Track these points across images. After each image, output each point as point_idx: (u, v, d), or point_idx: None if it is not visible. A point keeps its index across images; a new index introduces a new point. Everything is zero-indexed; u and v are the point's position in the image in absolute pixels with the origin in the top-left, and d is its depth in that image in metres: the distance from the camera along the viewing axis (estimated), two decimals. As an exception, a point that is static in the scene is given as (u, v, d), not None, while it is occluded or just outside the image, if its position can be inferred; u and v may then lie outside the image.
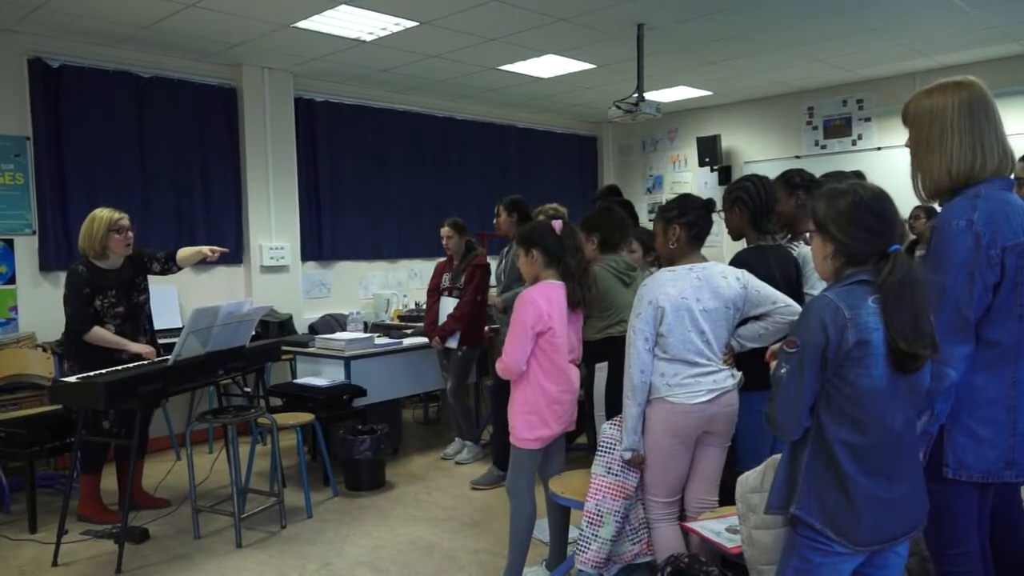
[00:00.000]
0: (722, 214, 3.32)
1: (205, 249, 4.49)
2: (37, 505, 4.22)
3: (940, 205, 2.22)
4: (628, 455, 2.81)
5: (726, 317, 2.79)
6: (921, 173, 2.16)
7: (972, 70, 2.18)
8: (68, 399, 3.81)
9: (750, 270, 2.95)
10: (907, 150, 2.21)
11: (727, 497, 2.77)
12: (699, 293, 2.74)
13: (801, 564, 1.89)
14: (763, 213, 3.22)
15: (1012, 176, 2.13)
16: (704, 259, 2.87)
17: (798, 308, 2.83)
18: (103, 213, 4.15)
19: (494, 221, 5.31)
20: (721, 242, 8.33)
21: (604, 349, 3.41)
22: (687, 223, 2.83)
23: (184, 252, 4.51)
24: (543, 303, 3.09)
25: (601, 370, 3.45)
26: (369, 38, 5.57)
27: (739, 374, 2.83)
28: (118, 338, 4.07)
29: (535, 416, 3.13)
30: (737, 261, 3.12)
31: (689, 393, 2.71)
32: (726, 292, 2.77)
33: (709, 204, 2.91)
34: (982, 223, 1.98)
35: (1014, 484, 2.17)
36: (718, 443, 2.86)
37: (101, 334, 4.03)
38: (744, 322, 2.88)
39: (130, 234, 4.21)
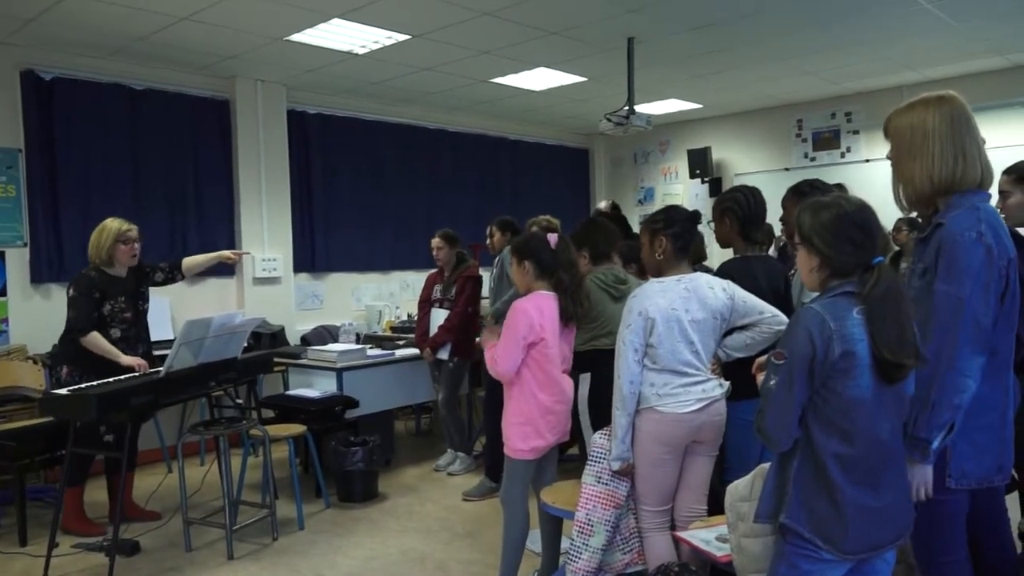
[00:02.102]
0: (711, 225, 3.35)
1: (227, 253, 4.70)
2: (27, 518, 4.20)
3: (920, 216, 2.25)
4: (617, 465, 2.82)
5: (713, 327, 2.81)
6: (903, 182, 2.19)
7: (959, 84, 2.23)
8: (60, 411, 3.80)
9: (735, 280, 2.98)
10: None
11: (716, 506, 2.79)
12: (688, 304, 2.76)
13: (789, 571, 1.90)
14: (752, 223, 3.25)
15: (994, 189, 2.17)
16: (691, 270, 2.90)
17: (784, 319, 2.86)
18: (113, 224, 4.20)
19: (487, 242, 5.35)
20: (711, 253, 8.40)
21: (588, 360, 3.43)
22: (673, 235, 2.85)
23: (193, 260, 4.62)
24: (535, 314, 3.11)
25: (584, 380, 3.46)
26: (361, 51, 5.60)
27: (727, 383, 2.85)
28: (112, 348, 4.05)
29: (529, 427, 3.14)
30: (722, 271, 3.14)
31: (679, 403, 2.73)
32: (713, 303, 2.80)
33: (695, 216, 2.94)
34: (990, 234, 2.01)
35: (995, 488, 2.20)
36: (706, 452, 2.88)
37: (97, 341, 4.02)
38: (730, 332, 2.91)
39: (136, 246, 4.26)
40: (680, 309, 2.75)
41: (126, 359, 4.06)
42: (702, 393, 2.76)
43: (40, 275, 5.35)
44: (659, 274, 2.89)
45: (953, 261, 2.02)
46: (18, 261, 5.31)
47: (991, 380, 2.06)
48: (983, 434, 2.06)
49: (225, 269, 6.27)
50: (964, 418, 2.03)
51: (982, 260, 2.00)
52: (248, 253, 4.78)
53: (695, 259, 3.10)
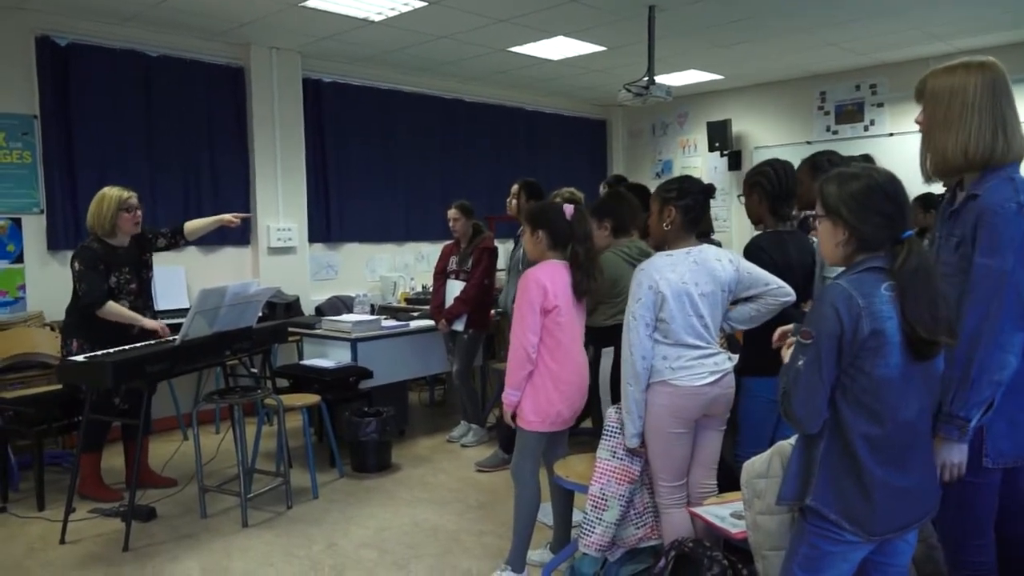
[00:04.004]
0: (741, 199, 3.30)
1: (228, 216, 4.56)
2: (45, 483, 4.24)
3: (944, 186, 2.17)
4: (634, 442, 2.78)
5: (722, 300, 2.77)
6: (932, 152, 2.09)
7: (987, 55, 2.13)
8: (76, 378, 3.83)
9: (767, 255, 2.93)
10: (920, 136, 2.16)
11: (730, 482, 2.77)
12: (697, 277, 2.71)
13: (810, 551, 1.87)
14: (782, 198, 3.19)
15: None
16: (698, 242, 2.84)
17: (790, 290, 2.81)
18: (113, 192, 4.15)
19: (508, 200, 5.26)
20: (730, 228, 8.33)
21: (613, 334, 3.39)
22: (684, 207, 2.78)
23: (195, 224, 4.56)
24: (547, 281, 3.07)
25: (607, 355, 3.43)
26: (378, 18, 5.52)
27: (735, 356, 2.82)
28: (132, 313, 4.08)
29: (541, 396, 3.12)
30: (754, 245, 3.09)
31: (693, 375, 2.69)
32: (721, 275, 2.75)
33: (708, 189, 2.87)
34: None
35: (1018, 469, 2.14)
36: (716, 426, 2.85)
37: (116, 309, 4.03)
38: (734, 304, 2.86)
39: (139, 213, 4.22)
40: (690, 283, 2.70)
41: (149, 323, 4.09)
42: (715, 366, 2.72)
43: (57, 242, 5.36)
44: (663, 244, 2.83)
45: (995, 233, 1.95)
46: (35, 228, 5.32)
47: None
48: (1023, 412, 2.00)
49: (240, 238, 6.28)
50: (1002, 396, 1.97)
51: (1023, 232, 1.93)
52: (249, 216, 4.68)
53: (701, 233, 3.04)
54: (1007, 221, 1.95)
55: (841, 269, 1.90)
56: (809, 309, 1.93)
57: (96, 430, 4.21)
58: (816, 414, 1.83)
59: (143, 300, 4.29)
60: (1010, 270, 1.92)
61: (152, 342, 4.01)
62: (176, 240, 4.49)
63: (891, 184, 1.83)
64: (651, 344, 2.72)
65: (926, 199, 5.56)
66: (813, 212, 3.41)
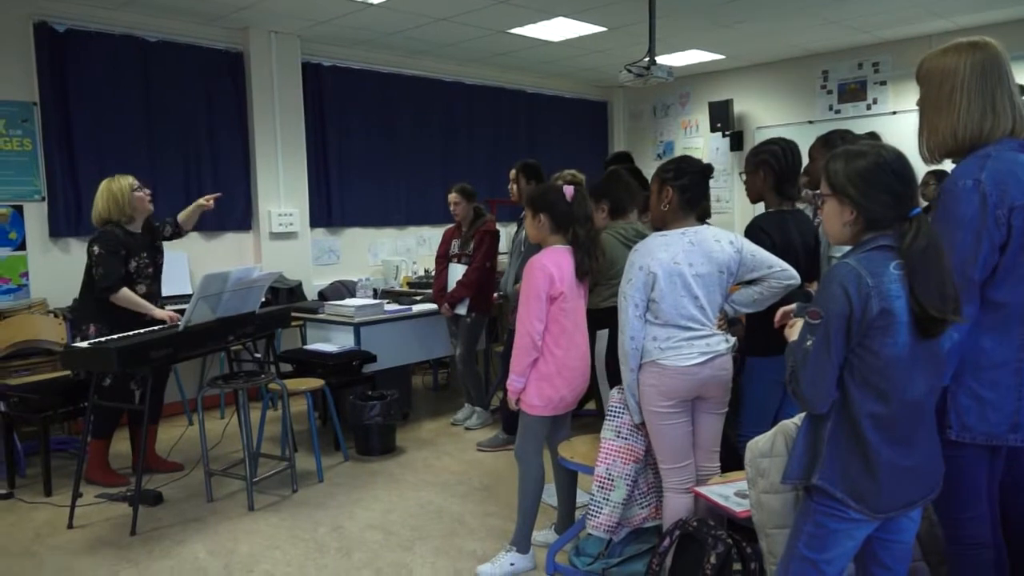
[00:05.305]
0: (743, 176, 3.28)
1: (201, 200, 4.64)
2: (52, 469, 4.27)
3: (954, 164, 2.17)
4: (638, 419, 2.81)
5: (720, 282, 2.74)
6: (927, 133, 2.11)
7: (989, 32, 2.13)
8: (81, 364, 3.84)
9: (769, 235, 2.91)
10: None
11: (734, 462, 2.77)
12: (691, 257, 2.69)
13: (815, 530, 1.88)
14: (787, 178, 3.17)
15: None
16: (697, 222, 2.82)
17: (794, 273, 2.79)
18: (119, 179, 4.21)
19: (509, 186, 5.24)
20: (733, 208, 8.31)
21: (608, 316, 3.39)
22: (680, 187, 2.76)
23: (183, 214, 4.62)
24: (553, 268, 3.06)
25: (601, 337, 3.43)
26: (377, 0, 5.49)
27: (733, 339, 2.80)
28: (144, 302, 4.12)
29: (545, 382, 3.12)
30: (756, 225, 3.07)
31: (681, 355, 2.67)
32: (719, 256, 2.72)
33: (707, 169, 2.85)
34: (990, 183, 1.94)
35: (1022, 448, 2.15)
36: (713, 409, 2.83)
37: (129, 296, 4.07)
38: (737, 286, 2.85)
39: (147, 191, 4.31)
40: (683, 263, 2.68)
41: (159, 312, 4.12)
42: (706, 347, 2.70)
43: (59, 229, 5.36)
44: (663, 225, 2.81)
45: (946, 208, 1.97)
46: (36, 215, 5.31)
47: (996, 334, 2.00)
48: (989, 389, 2.00)
49: (241, 223, 6.29)
50: (964, 371, 1.99)
51: (975, 208, 1.93)
52: (220, 195, 4.79)
53: (699, 215, 3.02)
54: (958, 197, 1.96)
55: (847, 248, 1.89)
56: (817, 288, 1.92)
57: (108, 417, 4.24)
58: (825, 394, 1.82)
59: (157, 286, 4.36)
60: (956, 245, 1.93)
61: (156, 328, 4.02)
62: (178, 230, 4.57)
63: (899, 161, 1.81)
64: (641, 325, 2.71)
65: (940, 173, 5.53)
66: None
